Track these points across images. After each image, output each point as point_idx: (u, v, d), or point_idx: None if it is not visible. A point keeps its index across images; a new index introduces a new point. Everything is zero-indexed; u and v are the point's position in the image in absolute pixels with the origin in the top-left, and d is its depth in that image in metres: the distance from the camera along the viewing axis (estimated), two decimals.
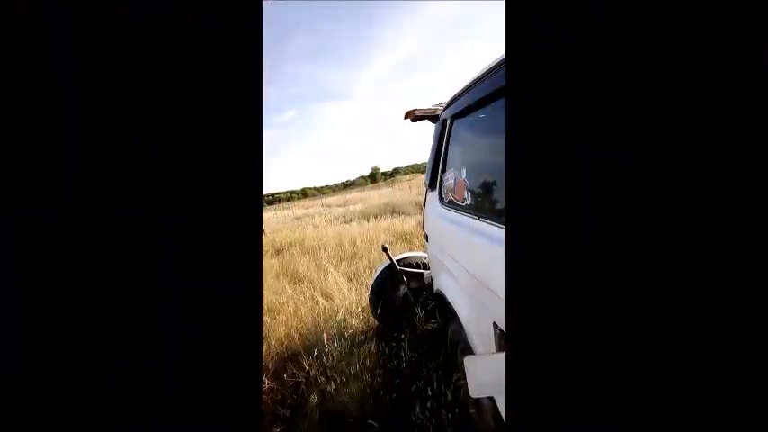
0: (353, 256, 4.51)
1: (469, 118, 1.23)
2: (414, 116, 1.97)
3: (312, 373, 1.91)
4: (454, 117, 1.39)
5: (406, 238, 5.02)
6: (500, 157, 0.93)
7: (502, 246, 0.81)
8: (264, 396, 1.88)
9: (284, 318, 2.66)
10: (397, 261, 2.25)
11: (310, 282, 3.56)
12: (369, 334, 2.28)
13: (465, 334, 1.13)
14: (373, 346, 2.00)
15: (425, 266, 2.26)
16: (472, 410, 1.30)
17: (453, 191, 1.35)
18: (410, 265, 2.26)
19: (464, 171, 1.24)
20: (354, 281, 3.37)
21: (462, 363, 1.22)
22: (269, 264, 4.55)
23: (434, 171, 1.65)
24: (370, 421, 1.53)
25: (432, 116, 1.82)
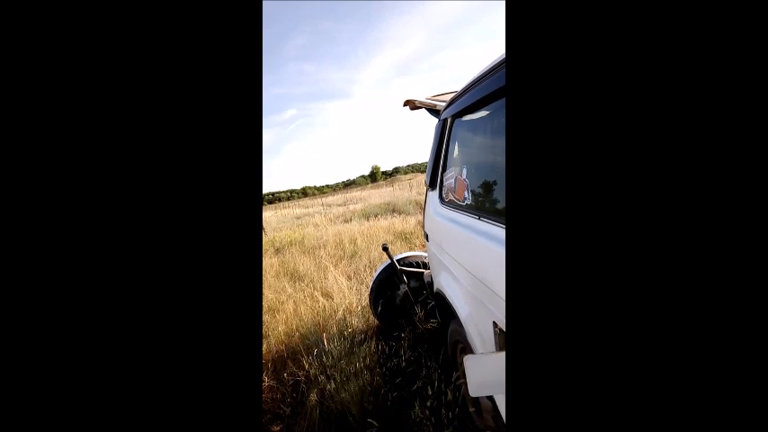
0: (353, 255, 4.51)
1: (470, 118, 1.23)
2: (413, 105, 1.99)
3: (312, 371, 1.91)
4: (454, 117, 1.39)
5: (406, 238, 5.02)
6: (500, 157, 0.93)
7: (502, 245, 0.81)
8: (264, 395, 1.89)
9: (284, 317, 2.66)
10: (398, 260, 2.25)
11: (310, 281, 3.56)
12: (369, 333, 2.28)
13: (465, 333, 1.13)
14: (373, 345, 2.00)
15: (425, 266, 2.26)
16: (472, 409, 1.30)
17: (453, 190, 1.35)
18: (410, 265, 2.26)
19: (464, 170, 1.24)
20: (354, 280, 3.37)
21: (462, 362, 1.22)
22: (269, 263, 4.55)
23: (435, 170, 1.65)
24: (369, 420, 1.54)
25: (430, 108, 1.83)
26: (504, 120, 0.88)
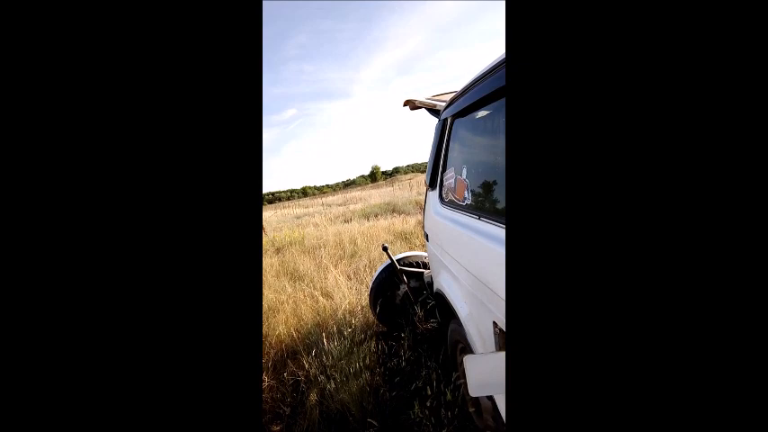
0: (353, 254, 4.51)
1: (470, 118, 1.23)
2: (413, 104, 1.99)
3: (312, 371, 1.91)
4: (455, 116, 1.39)
5: (406, 238, 5.02)
6: (500, 157, 0.93)
7: (502, 245, 0.81)
8: (264, 394, 1.89)
9: (284, 317, 2.66)
10: (398, 260, 2.25)
11: (310, 280, 3.56)
12: (368, 333, 2.29)
13: (465, 333, 1.13)
14: (373, 344, 2.00)
15: (425, 266, 2.26)
16: (472, 409, 1.30)
17: (453, 190, 1.35)
18: (410, 265, 2.26)
19: (464, 170, 1.24)
20: (354, 279, 3.37)
21: (462, 362, 1.23)
22: (269, 262, 4.55)
23: (435, 170, 1.65)
24: (369, 420, 1.54)
25: (430, 108, 1.83)
26: (504, 120, 0.88)
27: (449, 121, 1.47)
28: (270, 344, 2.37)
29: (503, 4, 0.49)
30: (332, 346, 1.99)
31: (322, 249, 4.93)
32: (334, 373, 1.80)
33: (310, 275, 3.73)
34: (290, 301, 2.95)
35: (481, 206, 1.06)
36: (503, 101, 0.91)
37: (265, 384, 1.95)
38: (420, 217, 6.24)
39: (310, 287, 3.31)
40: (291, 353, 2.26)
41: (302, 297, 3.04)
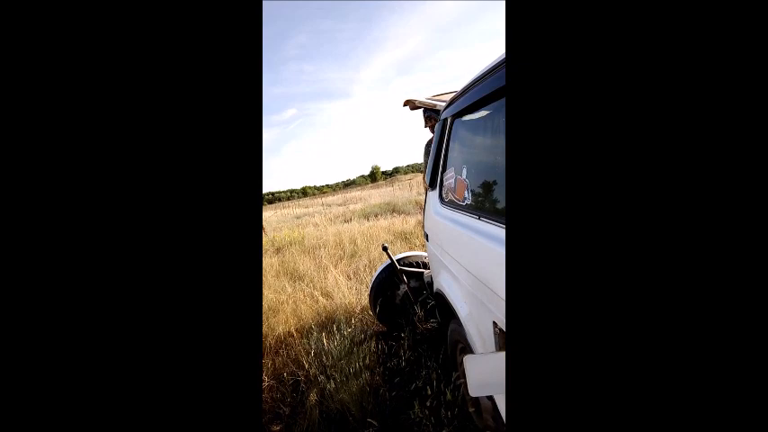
0: (353, 254, 4.51)
1: (470, 118, 1.23)
2: (413, 104, 1.99)
3: (312, 371, 1.91)
4: (454, 116, 1.39)
5: (406, 238, 5.02)
6: (500, 157, 0.93)
7: (502, 245, 0.81)
8: (264, 394, 1.89)
9: (284, 317, 2.66)
10: (398, 260, 2.25)
11: (310, 280, 3.56)
12: (368, 333, 2.28)
13: (465, 333, 1.13)
14: (373, 344, 2.00)
15: (425, 266, 2.26)
16: (472, 409, 1.30)
17: (453, 190, 1.35)
18: (410, 265, 2.26)
19: (464, 170, 1.24)
20: (354, 279, 3.37)
21: (462, 362, 1.23)
22: (269, 262, 4.55)
23: (435, 170, 1.65)
24: (369, 420, 1.54)
25: (430, 108, 1.83)
26: (504, 120, 0.88)
27: (449, 121, 1.47)
28: (270, 344, 2.37)
29: (503, 4, 0.49)
30: (332, 346, 1.99)
31: (322, 249, 4.93)
32: (334, 373, 1.80)
33: (310, 275, 3.73)
34: (290, 302, 2.94)
35: (481, 206, 1.06)
36: (503, 101, 0.91)
37: (265, 384, 1.95)
38: (420, 217, 6.24)
39: (310, 287, 3.31)
40: (291, 353, 2.26)
41: (302, 297, 3.04)
